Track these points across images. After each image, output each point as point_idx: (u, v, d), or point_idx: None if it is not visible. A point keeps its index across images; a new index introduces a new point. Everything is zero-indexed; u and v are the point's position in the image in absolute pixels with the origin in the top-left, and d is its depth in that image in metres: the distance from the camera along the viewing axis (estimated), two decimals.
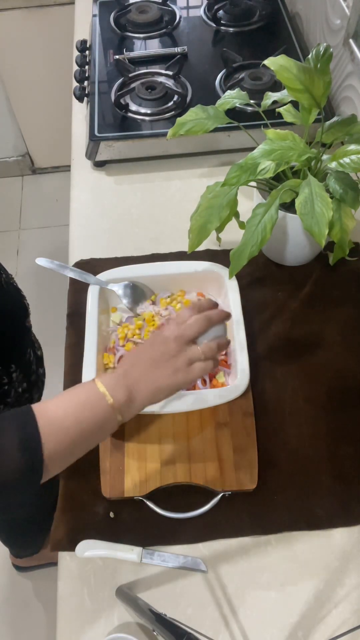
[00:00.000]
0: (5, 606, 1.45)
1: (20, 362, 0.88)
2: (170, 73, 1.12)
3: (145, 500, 0.69)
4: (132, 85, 1.10)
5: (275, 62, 0.74)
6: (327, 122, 0.81)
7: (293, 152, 0.71)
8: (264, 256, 0.93)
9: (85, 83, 1.14)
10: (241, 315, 0.76)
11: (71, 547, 0.67)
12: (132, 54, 1.16)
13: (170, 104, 1.07)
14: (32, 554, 1.39)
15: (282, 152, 0.70)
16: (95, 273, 0.82)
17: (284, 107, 0.83)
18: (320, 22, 1.14)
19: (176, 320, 0.63)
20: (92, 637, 0.63)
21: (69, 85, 1.18)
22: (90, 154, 1.04)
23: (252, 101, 0.83)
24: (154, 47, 1.22)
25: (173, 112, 1.06)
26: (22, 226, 2.24)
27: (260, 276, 0.90)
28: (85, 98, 1.12)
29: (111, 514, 0.69)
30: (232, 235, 0.85)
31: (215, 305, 0.67)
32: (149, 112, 1.06)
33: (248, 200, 0.88)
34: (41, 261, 0.79)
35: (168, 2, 1.29)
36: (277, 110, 0.83)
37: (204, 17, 1.27)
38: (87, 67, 1.16)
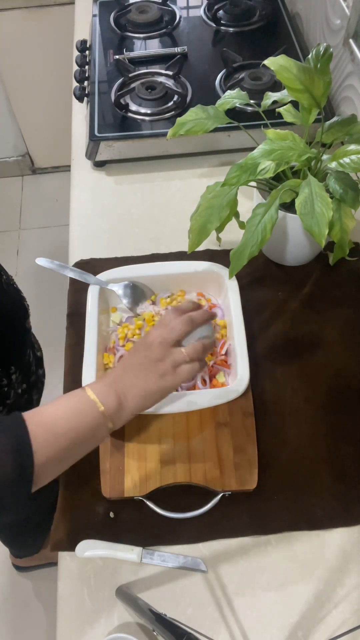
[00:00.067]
0: (5, 606, 1.45)
1: (19, 363, 0.88)
2: (170, 73, 1.12)
3: (145, 500, 0.69)
4: (132, 85, 1.10)
5: (275, 62, 0.74)
6: (327, 122, 0.81)
7: (293, 152, 0.71)
8: (264, 256, 0.93)
9: (85, 83, 1.14)
10: (241, 315, 0.76)
11: (71, 547, 0.67)
12: (132, 54, 1.16)
13: (170, 104, 1.07)
14: (32, 554, 1.39)
15: (282, 152, 0.70)
16: (95, 273, 0.82)
17: (284, 107, 0.83)
18: (320, 22, 1.14)
19: (160, 324, 0.63)
20: (92, 637, 0.63)
21: (69, 85, 1.18)
22: (90, 154, 1.04)
23: (252, 101, 0.83)
24: (154, 47, 1.22)
25: (173, 112, 1.06)
26: (22, 226, 2.24)
27: (260, 276, 0.90)
28: (85, 98, 1.12)
29: (111, 514, 0.69)
30: (232, 235, 0.85)
31: (198, 306, 0.68)
32: (149, 112, 1.06)
33: (248, 200, 0.88)
34: (41, 261, 0.79)
35: (168, 2, 1.29)
36: (277, 110, 0.83)
37: (204, 17, 1.27)
38: (87, 67, 1.16)
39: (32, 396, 0.94)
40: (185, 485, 0.70)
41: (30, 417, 0.53)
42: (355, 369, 0.80)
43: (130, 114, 1.06)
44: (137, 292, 0.83)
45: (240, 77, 1.10)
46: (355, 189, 0.74)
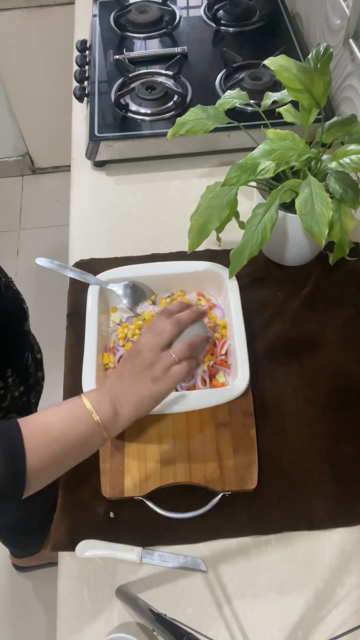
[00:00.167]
0: (5, 606, 1.45)
1: (17, 366, 0.87)
2: (170, 73, 1.12)
3: (145, 500, 0.69)
4: (132, 85, 1.10)
5: (275, 62, 0.74)
6: (327, 122, 0.81)
7: (293, 152, 0.71)
8: (264, 256, 0.93)
9: (85, 83, 1.14)
10: (241, 315, 0.76)
11: (71, 547, 0.67)
12: (132, 54, 1.16)
13: (170, 104, 1.07)
14: (32, 554, 1.39)
15: (282, 152, 0.70)
16: (95, 273, 0.82)
17: (284, 107, 0.83)
18: (320, 22, 1.14)
19: (149, 329, 0.63)
20: (92, 637, 0.63)
21: (69, 85, 1.18)
22: (90, 154, 1.04)
23: (252, 101, 0.83)
24: (154, 47, 1.22)
25: (173, 112, 1.06)
26: (22, 226, 2.24)
27: (260, 276, 0.90)
28: (85, 98, 1.12)
29: (111, 514, 0.69)
30: (232, 235, 0.85)
31: (187, 306, 0.67)
32: (149, 112, 1.06)
33: (248, 200, 0.88)
34: (41, 261, 0.79)
35: (168, 2, 1.29)
36: (277, 110, 0.83)
37: (204, 17, 1.27)
38: (87, 67, 1.16)
39: (30, 399, 0.93)
40: (185, 485, 0.70)
41: (26, 423, 0.53)
42: (356, 369, 0.80)
43: (130, 114, 1.06)
44: (137, 292, 0.83)
45: (240, 77, 1.10)
46: (355, 189, 0.74)
